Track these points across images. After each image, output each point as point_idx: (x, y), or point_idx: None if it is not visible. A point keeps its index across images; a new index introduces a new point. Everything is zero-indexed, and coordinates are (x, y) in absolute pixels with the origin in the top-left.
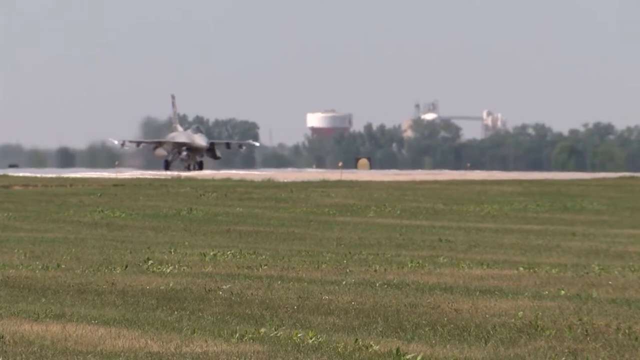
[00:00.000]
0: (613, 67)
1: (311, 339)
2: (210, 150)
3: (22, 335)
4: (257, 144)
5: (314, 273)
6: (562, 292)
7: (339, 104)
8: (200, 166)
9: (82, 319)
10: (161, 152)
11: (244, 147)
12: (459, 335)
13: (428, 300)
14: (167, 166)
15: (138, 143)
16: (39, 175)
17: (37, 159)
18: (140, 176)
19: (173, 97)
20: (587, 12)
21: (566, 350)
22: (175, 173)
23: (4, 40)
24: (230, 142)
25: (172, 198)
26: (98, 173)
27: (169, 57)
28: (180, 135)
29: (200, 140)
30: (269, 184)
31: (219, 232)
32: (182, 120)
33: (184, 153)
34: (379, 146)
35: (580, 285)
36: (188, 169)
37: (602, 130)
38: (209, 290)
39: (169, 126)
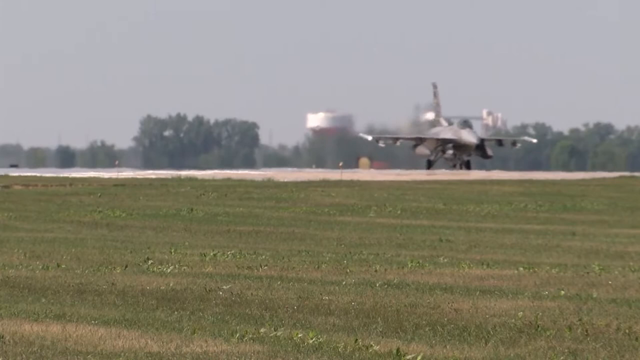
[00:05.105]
0: (613, 67)
1: (311, 339)
2: (480, 147)
3: (22, 335)
4: (534, 140)
5: (314, 273)
6: (562, 292)
7: (340, 104)
8: (467, 166)
9: (82, 319)
10: (422, 150)
11: (518, 144)
12: (459, 335)
13: (428, 300)
14: (429, 166)
15: (395, 139)
16: (38, 174)
17: (37, 159)
18: (140, 176)
19: (435, 85)
20: (587, 12)
21: (566, 350)
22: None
23: (4, 39)
24: (502, 138)
25: (172, 198)
26: (98, 173)
27: (169, 57)
28: (445, 130)
29: (469, 137)
30: (269, 184)
31: (219, 232)
32: (181, 119)
33: (450, 151)
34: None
35: (580, 285)
36: (454, 168)
37: (602, 130)
38: (209, 290)
39: (169, 124)
